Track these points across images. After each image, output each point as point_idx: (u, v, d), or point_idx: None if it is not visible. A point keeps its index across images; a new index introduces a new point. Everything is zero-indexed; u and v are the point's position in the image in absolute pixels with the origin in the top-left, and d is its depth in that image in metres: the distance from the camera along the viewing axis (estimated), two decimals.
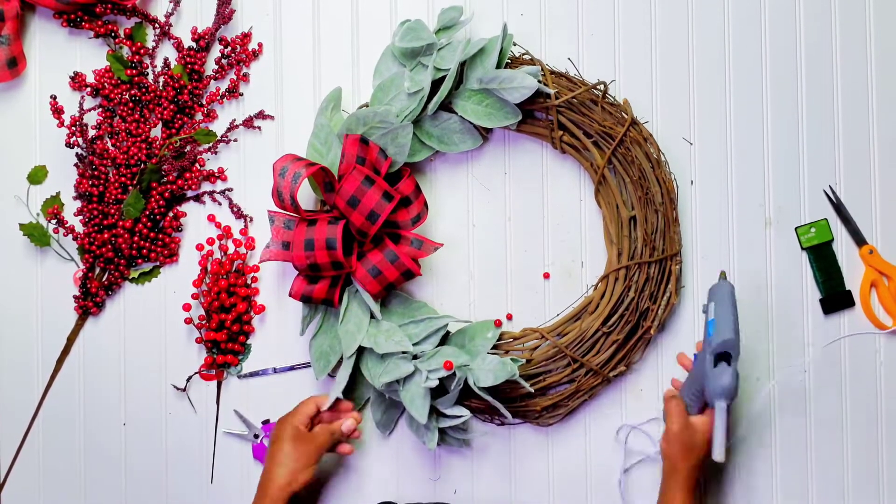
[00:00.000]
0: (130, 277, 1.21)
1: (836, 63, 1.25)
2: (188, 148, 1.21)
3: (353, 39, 1.23)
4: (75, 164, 1.20)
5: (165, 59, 1.21)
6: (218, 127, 1.22)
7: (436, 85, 1.15)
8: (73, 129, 1.19)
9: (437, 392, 1.14)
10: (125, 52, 1.21)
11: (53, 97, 1.19)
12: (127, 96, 1.20)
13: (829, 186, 1.25)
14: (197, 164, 1.21)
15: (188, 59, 1.20)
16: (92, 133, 1.20)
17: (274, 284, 1.21)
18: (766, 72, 1.25)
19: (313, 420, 1.13)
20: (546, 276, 1.22)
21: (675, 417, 1.10)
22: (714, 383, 1.06)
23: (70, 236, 1.20)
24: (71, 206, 1.21)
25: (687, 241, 1.23)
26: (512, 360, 1.13)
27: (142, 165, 1.19)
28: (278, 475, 1.08)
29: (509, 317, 1.22)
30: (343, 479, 1.21)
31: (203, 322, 1.19)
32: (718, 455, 1.03)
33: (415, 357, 1.14)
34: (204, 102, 1.22)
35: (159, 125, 1.21)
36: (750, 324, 1.23)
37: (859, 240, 1.24)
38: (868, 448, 1.24)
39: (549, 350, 1.18)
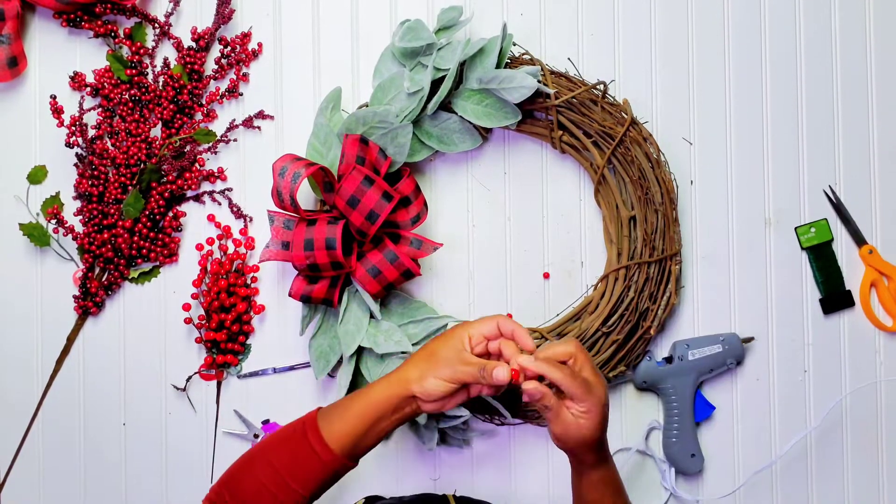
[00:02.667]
0: (130, 277, 1.21)
1: (836, 63, 1.25)
2: (188, 148, 1.21)
3: (353, 39, 1.23)
4: (75, 164, 1.20)
5: (165, 59, 1.21)
6: (218, 127, 1.22)
7: (435, 85, 1.15)
8: (73, 129, 1.19)
9: None
10: (125, 51, 1.21)
11: (53, 97, 1.19)
12: (127, 96, 1.20)
13: (829, 186, 1.25)
14: (197, 164, 1.21)
15: (188, 58, 1.20)
16: (92, 133, 1.20)
17: (274, 284, 1.21)
18: (766, 72, 1.25)
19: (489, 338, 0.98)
20: (546, 276, 1.22)
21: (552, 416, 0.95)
22: None
23: (70, 236, 1.20)
24: (71, 206, 1.21)
25: (687, 241, 1.23)
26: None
27: (142, 165, 1.19)
28: (415, 364, 0.95)
29: (509, 317, 1.21)
30: (342, 479, 1.21)
31: (203, 322, 1.19)
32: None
33: None
34: (204, 102, 1.22)
35: (159, 125, 1.21)
36: (750, 324, 1.23)
37: (859, 240, 1.24)
38: (868, 448, 1.24)
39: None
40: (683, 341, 1.20)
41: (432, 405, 0.96)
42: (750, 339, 1.22)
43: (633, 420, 1.22)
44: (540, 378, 0.95)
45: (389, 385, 0.95)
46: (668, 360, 1.20)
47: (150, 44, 1.21)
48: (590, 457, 0.96)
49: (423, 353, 0.97)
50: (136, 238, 1.19)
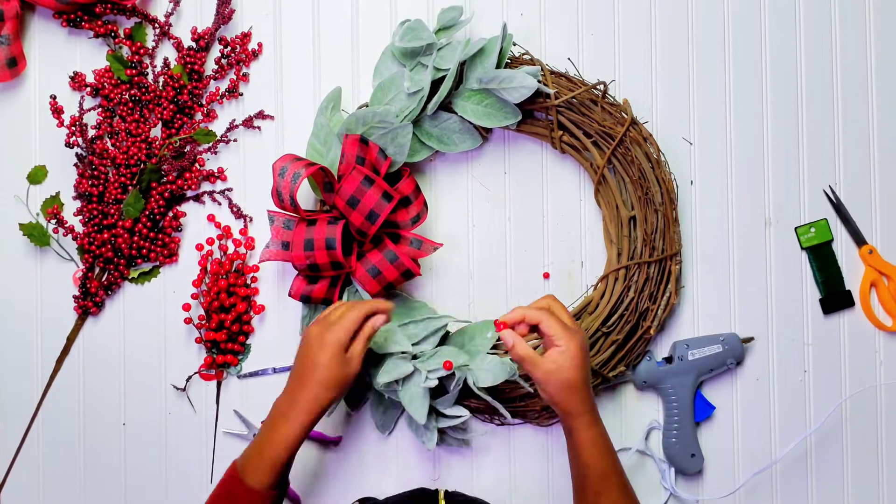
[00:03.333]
0: (130, 277, 1.21)
1: (836, 63, 1.25)
2: (188, 148, 1.21)
3: (353, 39, 1.23)
4: (75, 164, 1.20)
5: (165, 59, 1.21)
6: (218, 127, 1.22)
7: (435, 85, 1.15)
8: (73, 129, 1.19)
9: (437, 392, 1.14)
10: (125, 52, 1.21)
11: (53, 97, 1.19)
12: (127, 96, 1.20)
13: (829, 186, 1.25)
14: (197, 164, 1.21)
15: (188, 59, 1.20)
16: (92, 133, 1.20)
17: (274, 284, 1.21)
18: (766, 72, 1.25)
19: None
20: (546, 276, 1.22)
21: (528, 361, 1.01)
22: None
23: (70, 236, 1.20)
24: (71, 206, 1.21)
25: (687, 241, 1.23)
26: (511, 360, 1.13)
27: (142, 165, 1.19)
28: (320, 377, 1.01)
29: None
30: (343, 479, 1.21)
31: (203, 322, 1.19)
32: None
33: (414, 357, 1.14)
34: (204, 102, 1.22)
35: (159, 125, 1.21)
36: (750, 324, 1.23)
37: (859, 240, 1.24)
38: (868, 448, 1.24)
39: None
40: (683, 341, 1.20)
41: None
42: (750, 339, 1.22)
43: (633, 420, 1.22)
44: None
45: (300, 424, 1.01)
46: (668, 360, 1.20)
47: (150, 44, 1.21)
48: (576, 406, 1.01)
49: (311, 381, 1.02)
50: (136, 238, 1.19)
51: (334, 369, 1.02)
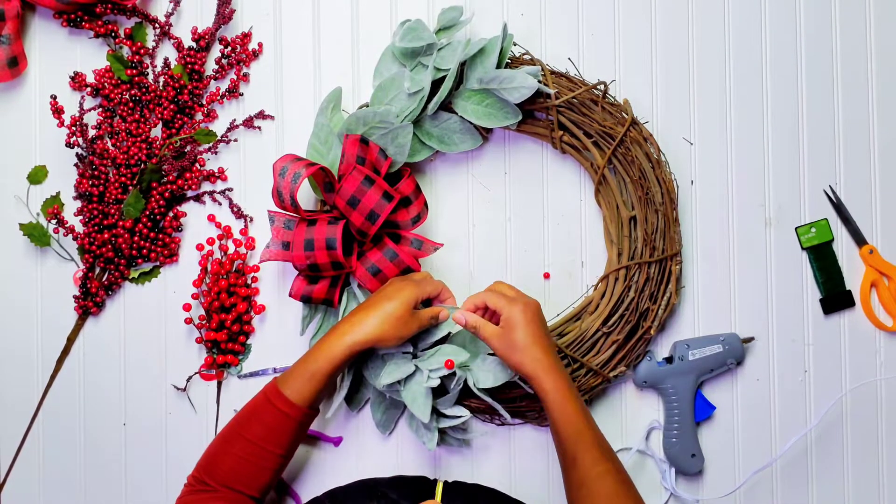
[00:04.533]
0: (130, 277, 1.21)
1: (837, 63, 1.25)
2: (188, 148, 1.21)
3: (353, 39, 1.23)
4: (75, 164, 1.20)
5: (165, 59, 1.21)
6: (218, 127, 1.22)
7: (436, 85, 1.15)
8: (73, 129, 1.19)
9: (437, 392, 1.14)
10: (125, 52, 1.21)
11: (53, 97, 1.19)
12: (127, 96, 1.20)
13: (829, 186, 1.25)
14: (197, 164, 1.21)
15: (188, 59, 1.20)
16: (92, 133, 1.20)
17: (274, 284, 1.21)
18: (766, 72, 1.25)
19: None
20: (546, 276, 1.22)
21: (483, 330, 1.09)
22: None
23: (70, 236, 1.20)
24: (71, 206, 1.21)
25: (687, 241, 1.23)
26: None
27: (142, 165, 1.19)
28: (368, 325, 1.07)
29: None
30: (343, 479, 1.21)
31: (203, 322, 1.19)
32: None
33: (415, 357, 1.14)
34: (204, 102, 1.22)
35: (159, 125, 1.21)
36: (750, 324, 1.23)
37: (859, 240, 1.24)
38: (868, 448, 1.24)
39: None
40: (684, 341, 1.20)
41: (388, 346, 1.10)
42: (750, 339, 1.22)
43: (634, 420, 1.22)
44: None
45: (347, 345, 1.06)
46: (669, 360, 1.20)
47: (150, 44, 1.21)
48: (529, 366, 1.05)
49: (376, 311, 1.07)
50: (136, 238, 1.19)
51: (400, 313, 1.07)
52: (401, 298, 1.08)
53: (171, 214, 1.21)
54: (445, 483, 1.10)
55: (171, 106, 1.20)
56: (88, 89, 1.20)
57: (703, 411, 1.21)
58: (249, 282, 1.21)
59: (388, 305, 1.07)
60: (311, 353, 1.07)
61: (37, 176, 1.21)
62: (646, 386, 1.20)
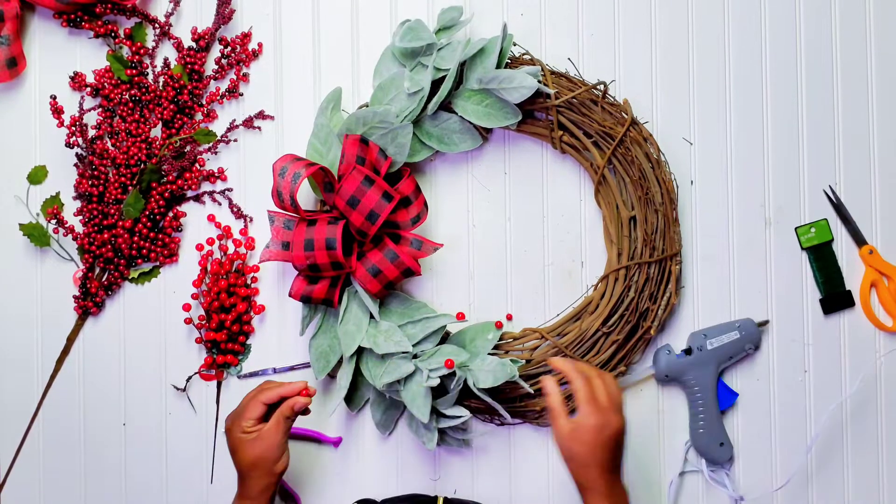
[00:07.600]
0: (130, 277, 1.21)
1: (836, 63, 1.25)
2: (188, 148, 1.21)
3: (353, 39, 1.23)
4: (75, 164, 1.20)
5: (165, 59, 1.21)
6: (218, 127, 1.22)
7: (436, 85, 1.15)
8: (73, 129, 1.19)
9: (437, 392, 1.14)
10: (125, 52, 1.21)
11: (53, 97, 1.19)
12: (127, 96, 1.20)
13: (829, 186, 1.25)
14: (197, 164, 1.21)
15: (188, 59, 1.20)
16: (92, 133, 1.20)
17: (274, 284, 1.21)
18: (766, 72, 1.25)
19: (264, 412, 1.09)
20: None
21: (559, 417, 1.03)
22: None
23: (70, 236, 1.20)
24: (71, 206, 1.21)
25: (687, 241, 1.23)
26: (511, 360, 1.13)
27: (142, 165, 1.19)
28: (240, 464, 1.06)
29: (509, 317, 1.22)
30: (343, 479, 1.21)
31: (203, 322, 1.19)
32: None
33: (415, 356, 1.14)
34: (204, 102, 1.22)
35: (159, 125, 1.21)
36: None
37: (859, 240, 1.24)
38: (868, 448, 1.24)
39: (549, 350, 1.18)
40: (700, 331, 1.20)
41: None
42: (765, 323, 1.22)
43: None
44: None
45: (253, 501, 1.06)
46: (688, 351, 1.19)
47: (150, 44, 1.21)
48: (580, 478, 1.01)
49: (238, 464, 1.07)
50: (136, 238, 1.19)
51: (248, 453, 1.05)
52: (233, 441, 1.06)
53: (170, 214, 1.21)
54: (445, 499, 1.11)
55: (171, 106, 1.20)
56: (88, 89, 1.20)
57: (726, 399, 1.21)
58: (249, 282, 1.21)
59: (236, 458, 1.07)
60: None
61: (37, 176, 1.21)
62: (667, 380, 1.20)
